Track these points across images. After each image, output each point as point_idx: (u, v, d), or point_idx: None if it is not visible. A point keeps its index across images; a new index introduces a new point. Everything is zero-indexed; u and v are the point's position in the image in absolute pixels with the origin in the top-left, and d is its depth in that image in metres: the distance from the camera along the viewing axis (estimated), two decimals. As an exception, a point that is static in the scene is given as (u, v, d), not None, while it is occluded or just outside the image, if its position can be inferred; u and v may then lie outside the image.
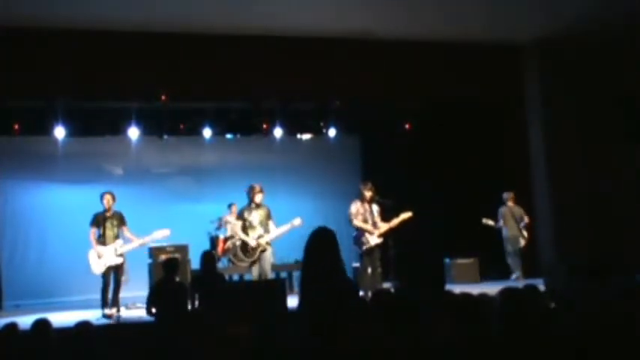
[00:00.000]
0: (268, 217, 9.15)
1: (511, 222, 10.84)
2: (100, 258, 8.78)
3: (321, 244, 4.25)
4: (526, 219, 10.84)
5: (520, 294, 3.80)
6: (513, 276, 10.72)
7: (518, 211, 10.90)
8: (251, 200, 9.11)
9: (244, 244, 9.13)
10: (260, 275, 8.98)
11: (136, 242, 8.93)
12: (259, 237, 9.04)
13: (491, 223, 10.88)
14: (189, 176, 12.68)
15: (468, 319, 3.76)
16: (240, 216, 9.25)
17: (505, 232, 10.88)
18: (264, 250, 9.03)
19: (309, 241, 4.30)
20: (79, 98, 10.03)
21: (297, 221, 9.12)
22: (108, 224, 8.87)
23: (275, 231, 9.10)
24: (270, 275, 9.30)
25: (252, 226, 9.08)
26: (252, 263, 9.04)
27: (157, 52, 9.34)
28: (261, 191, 9.10)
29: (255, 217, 9.10)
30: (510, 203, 10.92)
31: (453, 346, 3.52)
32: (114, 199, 8.89)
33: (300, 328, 3.79)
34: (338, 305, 3.82)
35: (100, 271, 8.78)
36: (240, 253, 10.29)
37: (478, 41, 10.35)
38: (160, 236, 9.24)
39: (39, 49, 8.83)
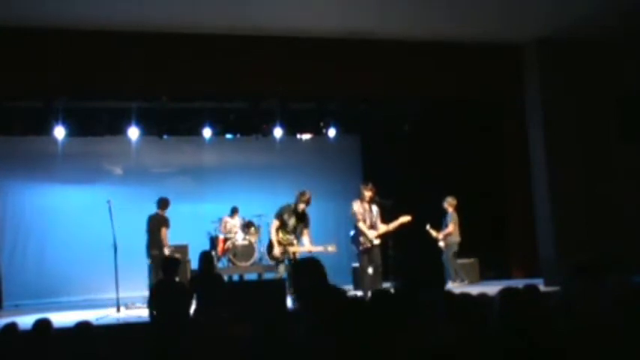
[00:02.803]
0: (305, 226, 8.98)
1: (457, 228, 10.85)
2: None
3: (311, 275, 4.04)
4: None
5: (520, 294, 3.81)
6: (465, 281, 10.63)
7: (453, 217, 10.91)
8: (296, 204, 8.93)
9: (271, 244, 8.97)
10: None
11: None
12: (289, 244, 8.91)
13: (434, 233, 10.87)
14: (189, 176, 12.69)
15: (468, 319, 3.76)
16: (279, 215, 9.03)
17: (452, 239, 10.82)
18: (289, 259, 8.87)
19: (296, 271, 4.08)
20: (79, 98, 10.04)
21: (331, 247, 8.89)
22: None
23: (307, 247, 8.91)
24: None
25: (286, 231, 8.94)
26: (279, 262, 8.93)
27: (157, 52, 9.33)
28: (308, 202, 8.90)
29: (292, 221, 8.93)
30: (452, 209, 10.90)
31: (453, 346, 3.52)
32: None
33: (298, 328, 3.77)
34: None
35: None
36: (250, 254, 10.28)
37: (478, 41, 10.34)
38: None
39: (39, 49, 8.82)
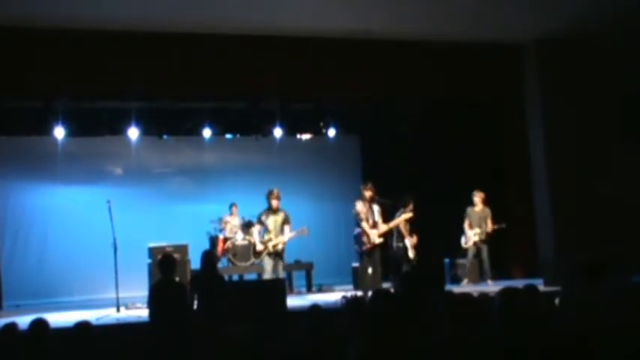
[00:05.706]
0: (285, 222, 9.37)
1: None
2: None
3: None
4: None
5: (520, 294, 3.81)
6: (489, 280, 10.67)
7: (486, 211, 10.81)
8: (269, 204, 9.31)
9: (253, 246, 9.57)
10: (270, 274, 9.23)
11: None
12: (268, 240, 9.26)
13: (471, 231, 10.82)
14: (189, 176, 12.68)
15: (468, 319, 3.76)
16: (258, 220, 9.51)
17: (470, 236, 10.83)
18: (270, 253, 9.27)
19: None
20: (79, 98, 10.03)
21: (300, 230, 9.55)
22: None
23: (284, 236, 9.35)
24: (281, 276, 9.42)
25: (267, 231, 9.33)
26: (271, 256, 9.28)
27: (157, 52, 9.33)
28: (278, 197, 9.30)
29: (271, 221, 9.31)
30: (483, 203, 10.81)
31: (453, 346, 3.51)
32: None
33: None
34: None
35: None
36: (249, 254, 10.52)
37: (478, 41, 10.35)
38: None
39: (39, 49, 8.82)
